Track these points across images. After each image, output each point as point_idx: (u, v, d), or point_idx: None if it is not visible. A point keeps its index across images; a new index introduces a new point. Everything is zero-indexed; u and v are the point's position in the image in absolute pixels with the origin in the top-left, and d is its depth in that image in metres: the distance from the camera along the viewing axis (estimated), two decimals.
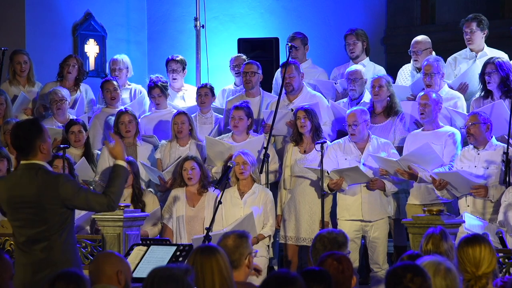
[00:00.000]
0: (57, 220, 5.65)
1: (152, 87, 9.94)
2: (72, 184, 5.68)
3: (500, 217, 7.90)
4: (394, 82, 9.58)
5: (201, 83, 10.51)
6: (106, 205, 5.70)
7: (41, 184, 5.65)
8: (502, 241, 7.48)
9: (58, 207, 5.64)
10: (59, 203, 5.64)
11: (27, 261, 5.66)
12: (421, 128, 8.80)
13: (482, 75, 8.98)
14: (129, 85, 10.70)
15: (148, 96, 10.15)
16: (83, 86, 10.48)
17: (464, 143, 8.62)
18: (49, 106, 9.97)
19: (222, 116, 9.92)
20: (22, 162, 5.74)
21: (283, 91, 9.37)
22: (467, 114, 8.67)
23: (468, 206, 8.21)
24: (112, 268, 4.71)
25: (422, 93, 8.76)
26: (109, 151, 5.92)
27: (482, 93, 9.04)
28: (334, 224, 8.78)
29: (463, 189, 8.19)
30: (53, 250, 5.63)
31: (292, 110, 9.19)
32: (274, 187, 9.17)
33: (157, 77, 10.02)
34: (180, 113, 9.38)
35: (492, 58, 9.04)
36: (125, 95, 10.45)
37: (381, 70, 9.97)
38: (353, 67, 9.76)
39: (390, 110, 9.16)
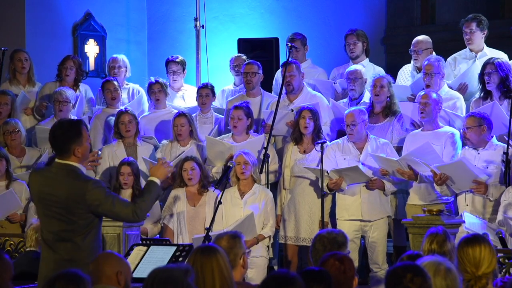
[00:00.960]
0: (81, 223, 5.65)
1: (153, 83, 9.97)
2: (100, 191, 5.67)
3: (500, 216, 7.89)
4: (394, 82, 9.59)
5: (201, 83, 10.50)
6: (131, 213, 5.71)
7: (70, 187, 5.65)
8: (502, 241, 7.48)
9: (84, 212, 5.64)
10: (85, 208, 5.64)
11: (51, 257, 5.68)
12: (421, 128, 8.79)
13: (481, 75, 8.97)
14: (127, 84, 10.70)
15: (148, 94, 10.16)
16: (82, 86, 10.46)
17: (464, 143, 8.61)
18: (52, 105, 9.95)
19: (222, 116, 9.91)
20: (57, 160, 5.75)
21: (284, 91, 9.37)
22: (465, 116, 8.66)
23: (468, 205, 8.20)
24: (111, 268, 4.71)
25: (422, 93, 8.75)
26: (151, 168, 6.02)
27: (482, 94, 9.03)
28: (334, 224, 8.77)
29: (463, 184, 8.15)
30: (76, 252, 5.63)
31: (292, 110, 9.19)
32: (274, 187, 9.17)
33: (157, 77, 10.07)
34: (180, 115, 9.35)
35: (491, 58, 9.03)
36: (123, 95, 10.44)
37: (380, 71, 9.95)
38: (353, 66, 9.76)
39: (389, 110, 9.16)
